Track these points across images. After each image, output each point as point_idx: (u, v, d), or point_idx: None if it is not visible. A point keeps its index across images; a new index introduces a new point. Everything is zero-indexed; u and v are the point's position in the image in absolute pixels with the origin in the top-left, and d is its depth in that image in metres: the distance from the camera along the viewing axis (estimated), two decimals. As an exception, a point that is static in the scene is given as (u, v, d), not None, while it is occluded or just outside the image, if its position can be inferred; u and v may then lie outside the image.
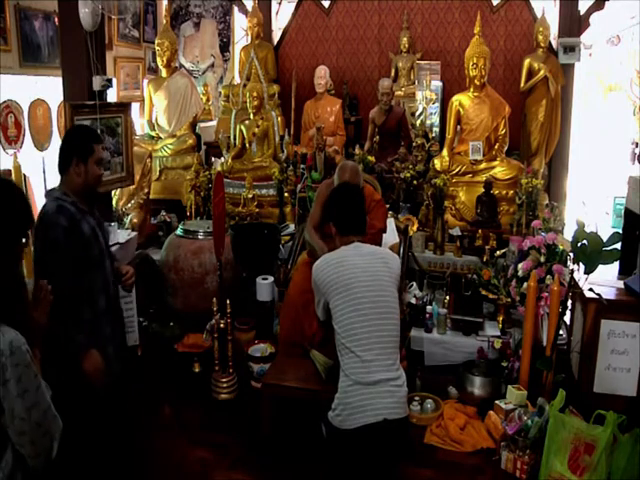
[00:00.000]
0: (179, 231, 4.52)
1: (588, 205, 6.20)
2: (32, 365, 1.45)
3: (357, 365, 2.25)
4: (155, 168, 5.60)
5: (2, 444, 1.45)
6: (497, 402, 3.18)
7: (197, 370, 3.85)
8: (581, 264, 3.12)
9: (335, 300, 2.35)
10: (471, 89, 5.22)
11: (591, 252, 3.04)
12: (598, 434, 2.63)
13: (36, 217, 2.28)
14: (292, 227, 5.00)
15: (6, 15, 4.49)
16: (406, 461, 2.90)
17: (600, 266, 3.08)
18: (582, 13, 5.93)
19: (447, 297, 4.11)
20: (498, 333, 3.88)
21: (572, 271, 3.21)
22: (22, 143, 4.59)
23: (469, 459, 3.01)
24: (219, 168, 5.31)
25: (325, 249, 3.68)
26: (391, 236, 4.20)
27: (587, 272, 3.09)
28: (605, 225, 6.16)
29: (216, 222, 3.82)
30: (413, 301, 4.06)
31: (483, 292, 3.96)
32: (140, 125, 6.34)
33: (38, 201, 4.96)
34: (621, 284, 3.31)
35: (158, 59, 5.82)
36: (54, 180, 5.30)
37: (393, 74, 6.68)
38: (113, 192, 4.75)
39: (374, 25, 6.95)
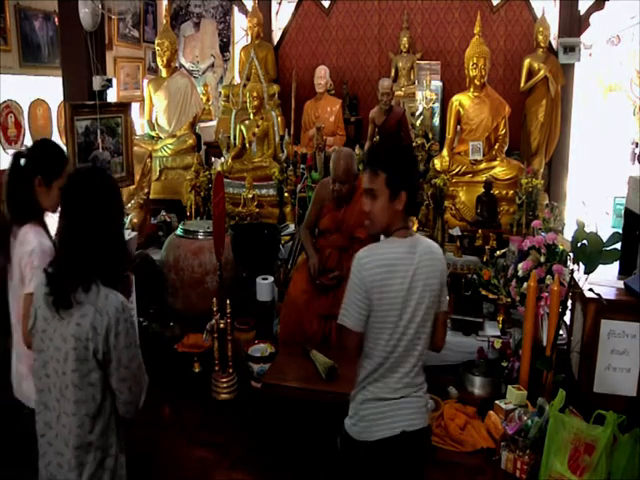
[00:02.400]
0: (179, 231, 4.52)
1: (588, 205, 6.20)
2: (134, 325, 1.75)
3: (377, 376, 1.98)
4: (155, 168, 5.60)
5: (104, 395, 1.70)
6: (497, 402, 3.18)
7: (197, 370, 3.85)
8: (581, 264, 3.12)
9: (375, 314, 1.91)
10: (471, 89, 5.22)
11: (591, 252, 3.04)
12: (598, 434, 2.63)
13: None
14: (292, 227, 5.00)
15: (6, 15, 4.50)
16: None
17: (600, 266, 3.08)
18: (582, 13, 5.93)
19: (447, 297, 4.11)
20: (498, 333, 3.88)
21: (572, 271, 3.21)
22: (22, 143, 4.60)
23: (469, 459, 3.01)
24: (219, 168, 5.31)
25: (315, 260, 3.67)
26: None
27: (587, 272, 3.09)
28: (605, 225, 6.15)
29: (216, 222, 3.82)
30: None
31: (483, 292, 3.96)
32: (140, 125, 6.34)
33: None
34: (621, 284, 3.31)
35: (158, 59, 5.82)
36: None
37: (393, 74, 6.68)
38: (113, 192, 4.75)
39: (374, 25, 6.95)
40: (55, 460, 1.73)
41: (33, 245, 2.16)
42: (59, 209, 1.87)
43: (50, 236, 2.21)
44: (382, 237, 2.02)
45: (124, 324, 1.67)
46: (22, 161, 2.24)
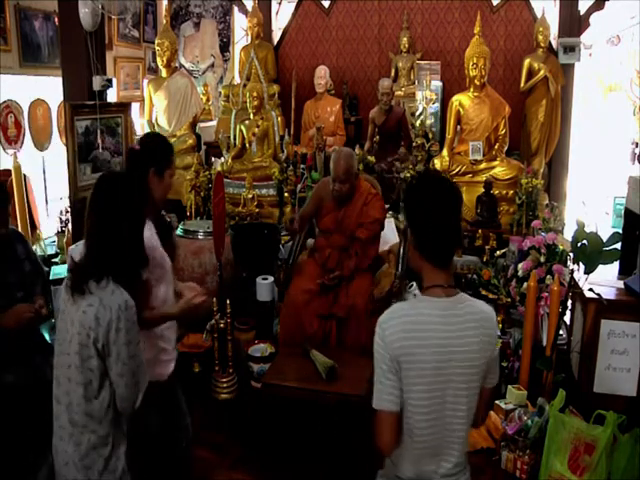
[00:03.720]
0: (179, 231, 4.51)
1: (588, 205, 6.19)
2: (136, 325, 1.79)
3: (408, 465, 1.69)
4: (155, 168, 5.60)
5: (102, 382, 1.77)
6: (497, 402, 3.18)
7: (197, 370, 3.84)
8: (581, 264, 3.12)
9: (412, 393, 1.59)
10: (471, 89, 5.22)
11: (591, 252, 3.04)
12: (598, 434, 2.63)
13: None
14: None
15: (6, 15, 4.50)
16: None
17: (600, 266, 3.08)
18: (582, 13, 5.93)
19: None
20: (498, 333, 3.87)
21: (572, 271, 3.21)
22: (22, 143, 4.60)
23: (469, 459, 3.00)
24: (219, 168, 5.31)
25: (296, 225, 3.57)
26: (391, 236, 4.20)
27: (587, 272, 3.09)
28: (605, 225, 6.15)
29: (216, 222, 3.81)
30: (413, 301, 4.05)
31: (483, 292, 3.96)
32: (140, 125, 6.34)
33: (38, 201, 4.96)
34: (621, 284, 3.31)
35: (158, 59, 5.82)
36: (54, 180, 5.31)
37: (393, 74, 6.68)
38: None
39: (374, 25, 6.95)
40: (59, 433, 1.83)
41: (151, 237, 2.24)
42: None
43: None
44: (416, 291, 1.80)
45: (125, 322, 1.74)
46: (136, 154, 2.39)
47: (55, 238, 4.75)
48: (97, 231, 1.83)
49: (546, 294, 3.30)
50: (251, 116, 5.50)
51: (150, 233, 2.21)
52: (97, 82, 4.02)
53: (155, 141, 2.45)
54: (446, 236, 1.61)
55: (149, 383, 1.89)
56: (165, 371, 2.28)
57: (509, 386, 3.24)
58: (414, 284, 4.33)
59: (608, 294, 3.17)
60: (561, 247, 3.46)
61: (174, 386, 2.40)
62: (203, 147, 6.22)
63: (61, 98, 4.23)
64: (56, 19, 4.81)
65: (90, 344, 1.74)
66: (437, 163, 5.15)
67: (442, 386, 1.59)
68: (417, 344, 1.55)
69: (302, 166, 5.39)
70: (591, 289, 3.13)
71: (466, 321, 1.60)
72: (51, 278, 3.75)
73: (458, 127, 5.31)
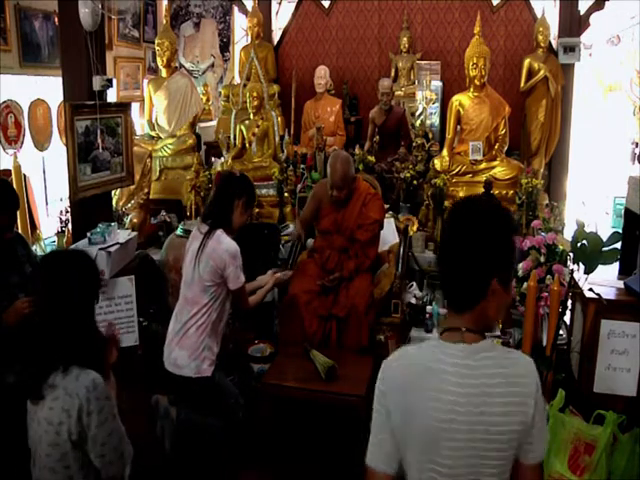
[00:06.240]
0: (179, 231, 4.51)
1: (588, 205, 6.19)
2: (110, 397, 1.74)
3: None
4: (155, 168, 5.60)
5: (85, 473, 1.71)
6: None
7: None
8: (581, 264, 3.12)
9: (408, 454, 1.34)
10: (471, 89, 5.22)
11: (591, 252, 3.04)
12: (598, 434, 2.63)
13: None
14: (292, 227, 4.99)
15: (6, 15, 4.49)
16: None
17: (600, 266, 3.08)
18: (582, 13, 5.93)
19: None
20: (498, 333, 3.88)
21: (572, 271, 3.21)
22: (22, 143, 4.59)
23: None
24: (219, 168, 5.31)
25: (299, 232, 3.86)
26: (391, 236, 4.20)
27: (587, 272, 3.09)
28: (605, 225, 6.15)
29: (216, 222, 3.81)
30: (413, 301, 4.06)
31: (483, 292, 3.95)
32: (140, 125, 6.34)
33: (38, 201, 4.96)
34: (621, 284, 3.30)
35: (158, 59, 5.82)
36: (54, 180, 5.31)
37: (393, 74, 6.68)
38: (113, 192, 4.75)
39: (374, 25, 6.95)
40: None
41: (230, 245, 2.87)
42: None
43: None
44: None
45: (96, 402, 1.67)
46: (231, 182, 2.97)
47: (55, 238, 4.75)
48: (53, 316, 1.73)
49: (546, 294, 3.30)
50: (251, 116, 5.50)
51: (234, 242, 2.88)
52: (97, 82, 4.02)
53: (249, 180, 3.05)
54: (463, 277, 1.32)
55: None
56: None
57: (509, 386, 3.23)
58: (414, 284, 4.33)
59: (608, 294, 3.17)
60: (561, 247, 3.46)
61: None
62: (203, 147, 6.21)
63: (61, 98, 4.22)
64: (56, 19, 4.81)
65: (61, 441, 1.66)
66: (437, 163, 5.15)
67: (448, 453, 1.26)
68: (418, 396, 1.28)
69: (302, 166, 5.39)
70: (591, 289, 3.13)
71: (484, 375, 1.27)
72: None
73: (458, 127, 5.31)
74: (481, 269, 1.30)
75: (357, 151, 5.35)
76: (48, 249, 4.70)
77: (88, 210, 4.06)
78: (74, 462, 1.68)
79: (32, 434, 1.76)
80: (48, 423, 1.66)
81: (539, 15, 5.99)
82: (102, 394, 1.70)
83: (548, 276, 3.38)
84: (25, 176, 4.46)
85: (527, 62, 5.86)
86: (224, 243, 2.86)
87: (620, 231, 3.34)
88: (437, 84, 6.21)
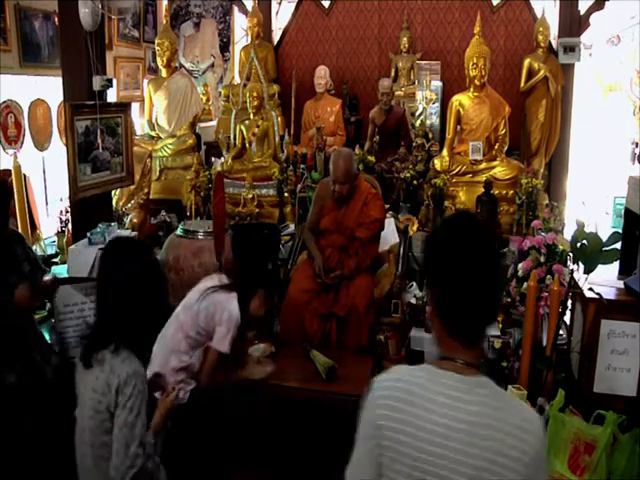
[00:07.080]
0: (179, 231, 4.51)
1: (588, 205, 6.19)
2: (144, 396, 1.79)
3: None
4: (155, 168, 5.60)
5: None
6: (497, 402, 3.17)
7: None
8: (581, 264, 3.12)
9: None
10: (471, 89, 5.22)
11: (591, 252, 3.04)
12: (598, 434, 2.63)
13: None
14: (292, 227, 5.00)
15: (6, 15, 4.50)
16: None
17: (600, 266, 3.08)
18: (582, 13, 5.93)
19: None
20: (498, 333, 3.88)
21: (572, 271, 3.21)
22: (22, 143, 4.60)
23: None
24: (219, 168, 5.31)
25: (320, 261, 3.69)
26: (391, 236, 4.20)
27: (587, 272, 3.09)
28: (605, 225, 6.15)
29: (216, 222, 3.81)
30: (413, 301, 4.05)
31: (483, 292, 3.95)
32: (140, 125, 6.34)
33: (38, 201, 4.97)
34: (621, 284, 3.30)
35: (158, 59, 5.82)
36: (54, 180, 5.32)
37: (393, 74, 6.68)
38: (113, 192, 4.76)
39: (374, 25, 6.95)
40: None
41: (235, 311, 2.73)
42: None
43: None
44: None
45: (132, 389, 1.75)
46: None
47: (55, 238, 4.76)
48: (112, 300, 1.82)
49: (546, 294, 3.29)
50: (251, 116, 5.50)
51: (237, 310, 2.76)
52: (97, 82, 4.02)
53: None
54: (473, 305, 1.21)
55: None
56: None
57: (509, 386, 3.23)
58: (414, 284, 4.33)
59: (608, 294, 3.16)
60: (561, 247, 3.46)
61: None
62: (203, 147, 6.22)
63: (61, 98, 4.22)
64: (56, 19, 4.81)
65: (102, 408, 1.76)
66: (437, 163, 5.15)
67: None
68: (402, 419, 1.18)
69: (302, 166, 5.39)
70: (591, 289, 3.13)
71: (476, 414, 1.15)
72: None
73: (458, 127, 5.31)
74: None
75: (357, 151, 5.35)
76: (48, 249, 4.71)
77: (88, 210, 4.07)
78: (111, 431, 1.77)
79: (79, 395, 1.85)
80: (93, 390, 1.77)
81: (539, 15, 5.99)
82: (138, 384, 1.77)
83: (548, 276, 3.38)
84: (25, 176, 4.46)
85: (527, 62, 5.86)
86: (232, 305, 2.79)
87: (620, 231, 3.34)
88: (437, 84, 6.21)
